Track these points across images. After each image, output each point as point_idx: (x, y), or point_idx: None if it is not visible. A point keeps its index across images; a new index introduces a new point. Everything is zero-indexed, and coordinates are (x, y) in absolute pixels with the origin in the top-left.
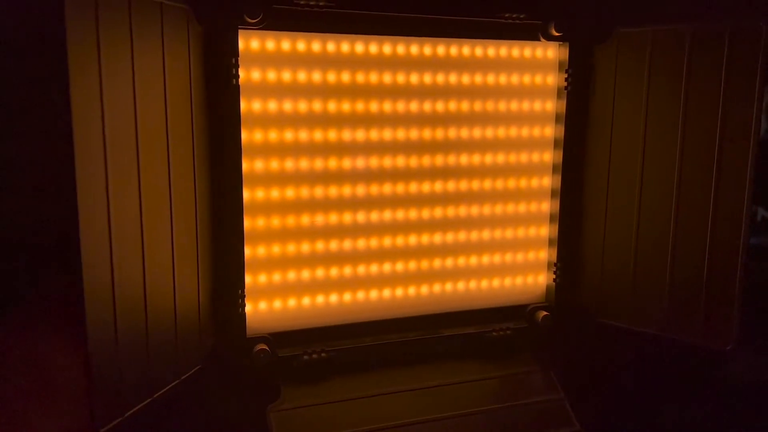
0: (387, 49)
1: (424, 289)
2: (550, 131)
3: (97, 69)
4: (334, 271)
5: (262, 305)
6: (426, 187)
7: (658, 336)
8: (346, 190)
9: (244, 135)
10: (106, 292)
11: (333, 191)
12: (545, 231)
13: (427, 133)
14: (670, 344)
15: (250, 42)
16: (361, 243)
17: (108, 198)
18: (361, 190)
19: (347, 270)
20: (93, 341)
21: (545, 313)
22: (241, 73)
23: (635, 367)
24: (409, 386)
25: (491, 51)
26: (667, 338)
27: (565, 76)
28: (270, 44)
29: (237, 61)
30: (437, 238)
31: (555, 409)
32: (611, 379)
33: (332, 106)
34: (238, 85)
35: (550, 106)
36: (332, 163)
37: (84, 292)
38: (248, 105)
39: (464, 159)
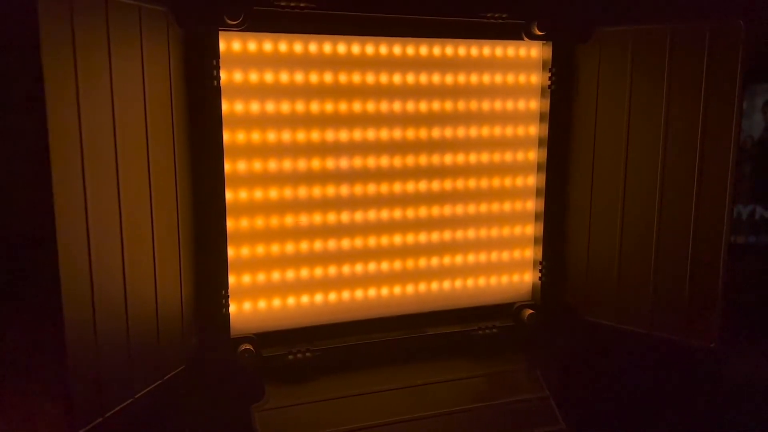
0: (369, 49)
1: (410, 289)
2: (534, 130)
3: (73, 73)
4: (318, 271)
5: (247, 305)
6: (410, 186)
7: (644, 334)
8: (330, 191)
9: (227, 136)
10: (84, 292)
11: (317, 191)
12: (530, 230)
13: (411, 133)
14: (656, 342)
15: (231, 43)
16: (345, 243)
17: (86, 200)
18: (345, 190)
19: (332, 270)
20: (71, 341)
21: (531, 311)
22: (223, 74)
23: (621, 364)
24: (394, 385)
25: (474, 51)
26: (652, 336)
27: (549, 75)
28: (251, 45)
29: (218, 62)
30: (422, 237)
31: (540, 407)
32: (597, 377)
33: (315, 106)
34: (220, 87)
35: (534, 105)
36: (315, 163)
37: (62, 292)
38: (230, 106)
39: (448, 158)
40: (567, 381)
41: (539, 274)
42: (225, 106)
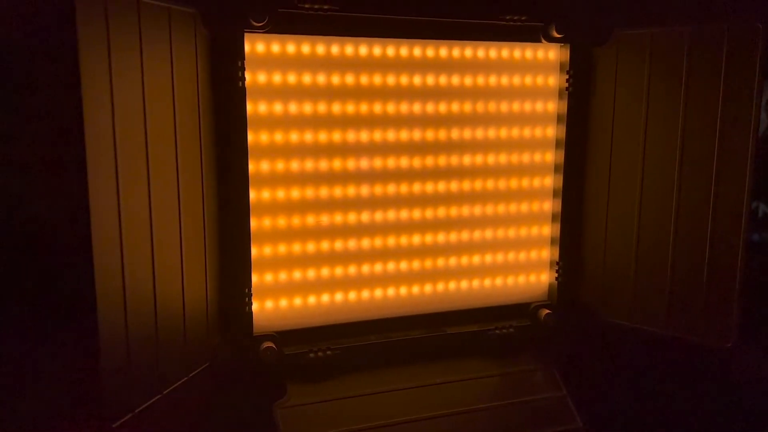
0: (390, 51)
1: (428, 288)
2: (551, 132)
3: (108, 73)
4: (339, 271)
5: (269, 304)
6: (429, 187)
7: (660, 333)
8: (351, 191)
9: (251, 136)
10: (117, 291)
11: (338, 191)
12: (547, 230)
13: (430, 134)
14: (672, 342)
15: (255, 45)
16: (365, 242)
17: (119, 200)
18: (365, 190)
19: (352, 269)
20: (104, 339)
21: (548, 311)
22: (248, 75)
23: (637, 364)
24: (413, 383)
25: (493, 53)
26: (668, 336)
27: (566, 77)
28: (275, 47)
29: (243, 64)
30: (441, 237)
31: (557, 406)
32: (613, 377)
33: (336, 107)
34: (245, 88)
35: (552, 106)
36: (337, 163)
37: (96, 292)
38: (254, 107)
39: (467, 159)
40: (584, 380)
41: (556, 275)
42: (249, 107)
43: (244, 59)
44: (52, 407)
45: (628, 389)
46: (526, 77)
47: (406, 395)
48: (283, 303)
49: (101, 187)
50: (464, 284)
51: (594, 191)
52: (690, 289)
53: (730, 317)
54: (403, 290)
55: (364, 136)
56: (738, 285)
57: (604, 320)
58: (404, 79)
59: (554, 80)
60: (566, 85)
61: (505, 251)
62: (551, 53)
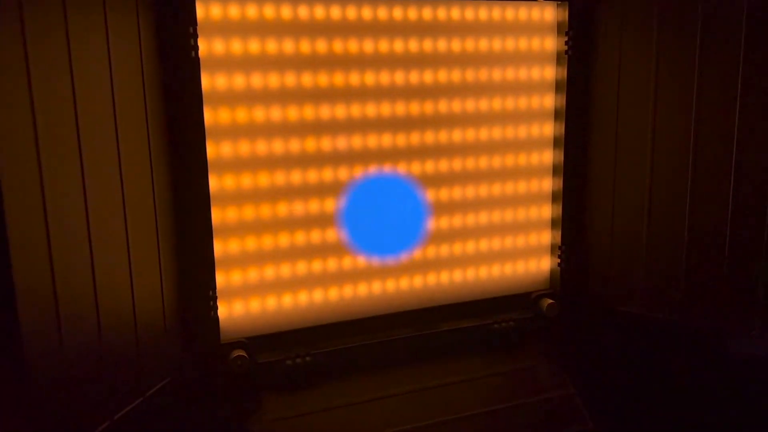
0: (367, 13)
1: (418, 281)
2: (550, 101)
3: (22, 49)
4: (317, 265)
5: (237, 306)
6: (416, 167)
7: (676, 322)
8: (327, 174)
9: (208, 115)
10: (46, 302)
11: (312, 175)
12: (548, 211)
13: (415, 107)
14: (689, 331)
15: (210, 9)
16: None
17: (43, 196)
18: (343, 173)
19: (332, 263)
20: (32, 359)
21: (550, 300)
22: (202, 44)
23: (651, 356)
24: (404, 389)
25: (483, 13)
26: (685, 324)
27: (566, 39)
28: (233, 11)
29: (195, 30)
30: (430, 224)
31: (566, 405)
32: (625, 371)
33: (307, 79)
34: (198, 58)
35: (550, 72)
36: (310, 143)
37: (17, 304)
38: (211, 81)
39: (457, 135)
40: (593, 376)
41: (558, 260)
42: (205, 81)
43: (196, 25)
44: None
45: (642, 384)
46: (520, 40)
47: (398, 402)
48: (254, 305)
49: (17, 181)
50: (458, 275)
51: (598, 166)
52: (708, 272)
53: (754, 302)
54: (390, 285)
55: (340, 111)
56: (763, 266)
57: (612, 309)
58: (384, 46)
59: (552, 43)
60: (565, 48)
61: (501, 236)
62: (548, 13)
